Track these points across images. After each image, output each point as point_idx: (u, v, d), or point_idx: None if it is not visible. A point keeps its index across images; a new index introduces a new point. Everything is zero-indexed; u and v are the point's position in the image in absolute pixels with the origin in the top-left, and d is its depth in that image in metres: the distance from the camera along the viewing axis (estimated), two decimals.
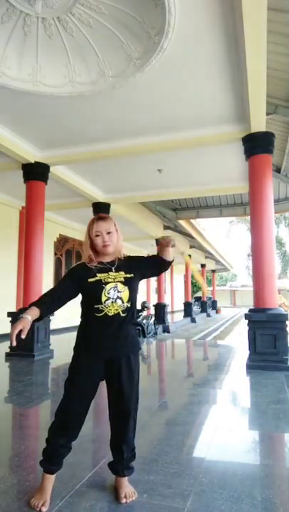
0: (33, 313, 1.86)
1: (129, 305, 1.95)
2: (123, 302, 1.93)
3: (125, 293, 1.94)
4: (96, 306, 1.92)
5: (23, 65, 4.21)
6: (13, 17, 3.67)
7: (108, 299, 1.92)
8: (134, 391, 1.95)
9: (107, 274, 1.96)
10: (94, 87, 4.44)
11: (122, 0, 3.44)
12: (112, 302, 1.92)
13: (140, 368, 2.04)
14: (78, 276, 1.98)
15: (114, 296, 1.92)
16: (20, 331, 1.73)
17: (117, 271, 1.97)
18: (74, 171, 7.65)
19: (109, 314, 1.91)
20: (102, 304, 1.91)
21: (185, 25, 3.56)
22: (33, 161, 6.52)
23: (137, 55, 3.95)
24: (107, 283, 1.93)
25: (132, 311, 1.97)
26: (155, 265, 2.10)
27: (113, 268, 1.98)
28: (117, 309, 1.91)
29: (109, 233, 1.97)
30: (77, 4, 3.52)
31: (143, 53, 3.91)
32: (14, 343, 1.72)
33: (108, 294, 1.92)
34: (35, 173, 6.68)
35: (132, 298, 1.97)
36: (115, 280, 1.94)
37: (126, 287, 1.94)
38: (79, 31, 3.84)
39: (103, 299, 1.91)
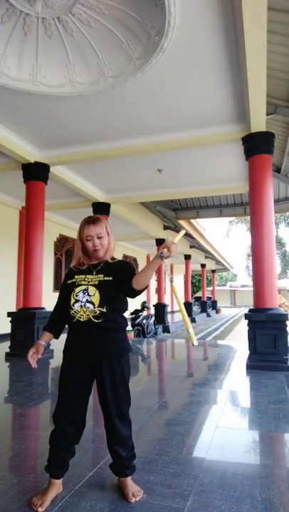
0: (45, 337, 2.01)
1: (104, 310, 1.85)
2: (95, 307, 1.85)
3: (96, 296, 1.85)
4: (69, 312, 1.90)
5: (23, 65, 4.21)
6: (13, 17, 3.67)
7: (76, 301, 1.87)
8: (120, 395, 1.91)
9: (84, 276, 1.93)
10: (94, 87, 4.45)
11: (122, 0, 3.45)
12: (81, 306, 1.86)
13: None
14: (65, 279, 2.01)
15: (84, 299, 1.86)
16: (35, 353, 1.96)
17: (97, 273, 1.92)
18: (74, 171, 7.65)
19: (81, 320, 1.86)
20: (71, 308, 1.88)
21: (185, 25, 3.56)
22: (33, 161, 6.52)
23: (137, 55, 3.95)
24: (79, 285, 1.91)
25: (109, 317, 1.86)
26: (125, 285, 1.85)
27: (94, 271, 1.94)
28: (88, 315, 1.85)
29: (100, 238, 1.93)
30: (77, 4, 3.52)
31: (143, 53, 3.91)
32: (33, 365, 1.95)
33: (77, 296, 1.88)
34: (35, 173, 6.68)
35: (108, 302, 1.86)
36: (89, 283, 1.90)
37: (97, 291, 1.86)
38: (79, 31, 3.84)
39: (72, 301, 1.89)
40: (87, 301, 1.86)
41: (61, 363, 1.99)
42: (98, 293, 1.86)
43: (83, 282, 1.92)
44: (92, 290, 1.88)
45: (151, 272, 1.79)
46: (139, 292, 1.83)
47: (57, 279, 12.26)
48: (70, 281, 1.97)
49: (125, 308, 1.99)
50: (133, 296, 1.87)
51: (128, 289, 1.83)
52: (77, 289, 1.90)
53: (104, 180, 8.31)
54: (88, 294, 1.87)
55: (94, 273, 1.94)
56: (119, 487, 2.02)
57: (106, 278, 1.90)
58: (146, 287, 1.82)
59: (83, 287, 1.90)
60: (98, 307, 1.85)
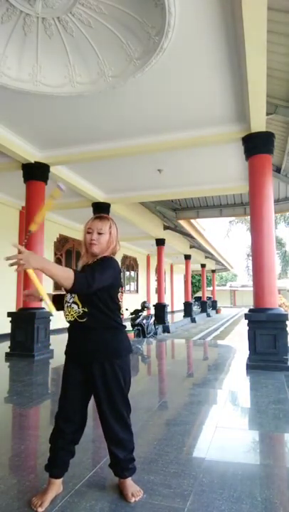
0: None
1: (86, 310, 1.86)
2: (78, 307, 1.88)
3: (76, 297, 1.88)
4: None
5: (23, 65, 4.21)
6: (13, 17, 3.67)
7: (66, 302, 1.93)
8: (114, 397, 1.89)
9: None
10: (94, 87, 4.45)
11: (122, 0, 3.45)
12: (68, 307, 1.91)
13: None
14: None
15: (70, 300, 1.91)
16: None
17: None
18: (74, 171, 7.65)
19: (67, 320, 1.93)
20: (64, 309, 1.94)
21: (185, 25, 3.56)
22: (33, 161, 6.52)
23: (137, 55, 3.95)
24: None
25: (94, 316, 1.87)
26: None
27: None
28: (73, 315, 1.89)
29: (100, 234, 1.94)
30: (77, 4, 3.52)
31: (143, 53, 3.91)
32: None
33: (66, 297, 1.94)
34: (35, 173, 6.68)
35: (88, 302, 1.85)
36: None
37: None
38: (79, 31, 3.84)
39: (64, 303, 1.95)
40: (73, 301, 1.90)
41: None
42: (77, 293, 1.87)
43: None
44: None
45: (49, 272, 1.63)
46: (70, 291, 1.73)
47: None
48: None
49: (112, 307, 1.91)
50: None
51: None
52: None
53: (104, 180, 8.30)
54: (72, 296, 1.90)
55: None
56: (119, 487, 2.02)
57: None
58: (72, 288, 1.67)
59: None
60: (82, 307, 1.88)
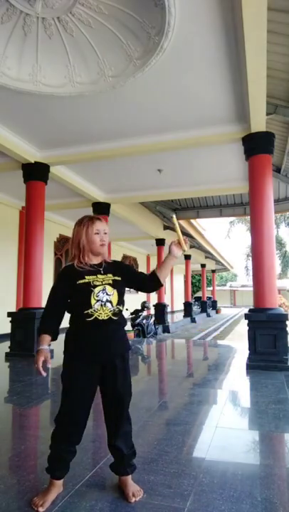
0: (46, 340, 1.96)
1: (120, 307, 1.97)
2: (113, 306, 1.92)
3: (114, 296, 1.93)
4: (86, 312, 1.88)
5: (23, 65, 4.21)
6: (13, 17, 3.68)
7: (97, 301, 1.89)
8: (128, 388, 2.01)
9: (95, 276, 1.94)
10: (94, 87, 4.45)
11: (122, 0, 3.45)
12: (102, 305, 1.89)
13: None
14: (69, 279, 1.93)
15: (104, 299, 1.90)
16: (44, 362, 1.88)
17: (105, 273, 1.97)
18: (74, 171, 7.65)
19: (100, 318, 1.88)
20: (91, 307, 1.88)
21: (185, 25, 3.56)
22: (33, 161, 6.52)
23: (137, 55, 3.95)
24: (95, 286, 1.91)
25: (122, 314, 2.00)
26: (139, 280, 2.12)
27: (101, 270, 1.98)
28: (107, 313, 1.90)
29: (105, 233, 2.01)
30: (77, 4, 3.52)
31: (143, 53, 3.92)
32: (44, 374, 1.87)
33: (97, 296, 1.90)
34: (35, 173, 6.68)
35: (121, 300, 1.99)
36: (103, 283, 1.92)
37: (115, 290, 1.94)
38: (79, 31, 3.84)
39: (92, 302, 1.88)
40: (107, 300, 1.91)
41: (66, 365, 1.94)
42: (116, 292, 1.94)
43: (97, 282, 1.91)
44: (110, 290, 1.92)
45: (170, 266, 2.08)
46: (161, 286, 2.08)
47: None
48: (82, 282, 1.90)
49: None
50: (152, 290, 2.16)
51: (150, 283, 2.09)
52: (97, 289, 1.90)
53: (104, 180, 8.30)
54: (107, 294, 1.91)
55: (102, 273, 1.97)
56: (119, 487, 2.03)
57: (116, 277, 1.98)
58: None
59: (101, 287, 1.91)
60: (116, 305, 1.94)
